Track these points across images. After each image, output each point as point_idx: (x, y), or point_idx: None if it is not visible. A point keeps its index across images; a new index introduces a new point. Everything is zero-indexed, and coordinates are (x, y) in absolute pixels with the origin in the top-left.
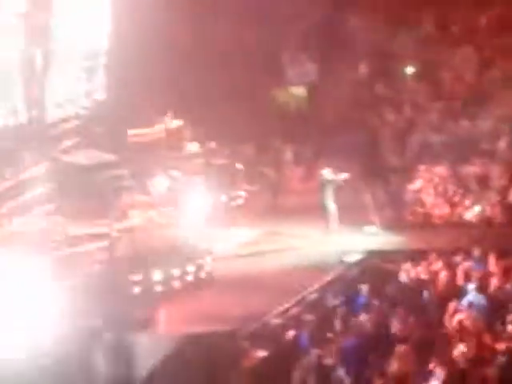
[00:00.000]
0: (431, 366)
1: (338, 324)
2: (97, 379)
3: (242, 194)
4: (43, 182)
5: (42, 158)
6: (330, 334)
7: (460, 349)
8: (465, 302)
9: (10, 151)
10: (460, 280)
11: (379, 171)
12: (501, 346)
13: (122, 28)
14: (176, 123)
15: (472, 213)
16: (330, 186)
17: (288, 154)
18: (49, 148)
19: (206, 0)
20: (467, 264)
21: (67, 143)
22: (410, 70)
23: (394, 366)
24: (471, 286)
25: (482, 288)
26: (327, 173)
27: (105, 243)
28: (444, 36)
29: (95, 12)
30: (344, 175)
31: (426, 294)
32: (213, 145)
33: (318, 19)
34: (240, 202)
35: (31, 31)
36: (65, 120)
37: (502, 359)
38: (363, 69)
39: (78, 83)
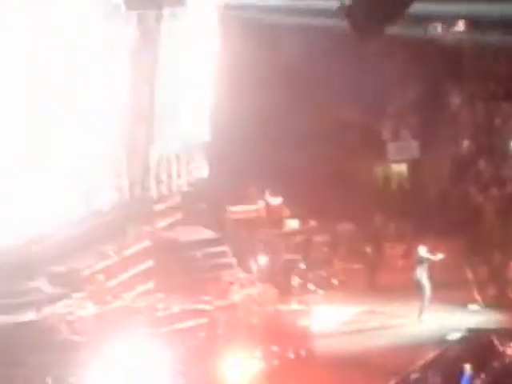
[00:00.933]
0: None
1: None
2: None
3: (341, 270)
4: (145, 258)
5: (144, 235)
6: None
7: None
8: None
9: (113, 228)
10: None
11: (482, 248)
12: None
13: (224, 105)
14: (276, 200)
15: None
16: (425, 264)
17: (389, 231)
18: (151, 224)
19: (308, 77)
20: None
21: (169, 220)
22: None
23: None
24: None
25: None
26: (422, 251)
27: (205, 320)
28: None
29: (198, 87)
30: (440, 255)
31: None
32: (313, 222)
33: (420, 94)
34: (341, 278)
35: (135, 110)
36: (167, 197)
37: None
38: (466, 145)
39: (181, 160)
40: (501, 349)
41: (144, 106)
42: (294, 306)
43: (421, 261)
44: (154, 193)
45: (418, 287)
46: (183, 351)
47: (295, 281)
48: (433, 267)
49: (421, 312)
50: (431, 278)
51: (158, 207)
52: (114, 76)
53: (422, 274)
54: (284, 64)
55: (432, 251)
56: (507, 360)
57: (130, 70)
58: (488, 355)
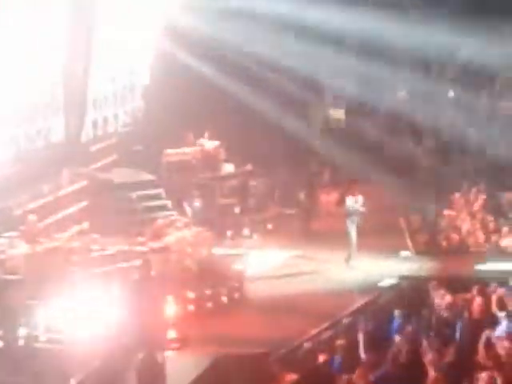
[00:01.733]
0: None
1: (370, 349)
2: None
3: (275, 215)
4: (80, 199)
5: (80, 176)
6: (361, 360)
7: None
8: (499, 330)
9: (48, 168)
10: (495, 308)
11: (415, 196)
12: None
13: (165, 48)
14: (213, 144)
15: (509, 241)
16: (353, 214)
17: (325, 177)
18: (86, 165)
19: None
20: (502, 292)
21: (104, 161)
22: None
23: None
24: (503, 314)
25: None
26: (350, 201)
27: (139, 261)
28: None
29: (138, 32)
30: (363, 207)
31: (459, 321)
32: (249, 166)
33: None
34: (276, 223)
35: (73, 47)
36: (103, 138)
37: None
38: (402, 97)
39: (118, 101)
40: (431, 296)
41: (82, 45)
42: (229, 249)
43: (348, 211)
44: (90, 133)
45: (347, 235)
46: (117, 292)
47: (230, 225)
48: (367, 215)
49: (349, 259)
50: (364, 225)
51: (94, 148)
52: (52, 14)
53: (350, 223)
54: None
55: (359, 200)
56: (437, 308)
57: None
58: (419, 302)
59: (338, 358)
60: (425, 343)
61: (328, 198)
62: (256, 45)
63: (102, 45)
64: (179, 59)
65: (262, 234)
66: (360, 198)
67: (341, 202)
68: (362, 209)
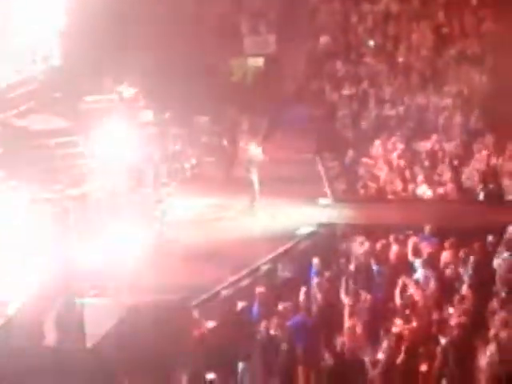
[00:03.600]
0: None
1: (288, 296)
2: (46, 344)
3: (195, 163)
4: None
5: None
6: (279, 307)
7: (400, 323)
8: (415, 277)
9: None
10: (411, 255)
11: (334, 144)
12: (449, 322)
13: None
14: (131, 91)
15: (424, 189)
16: (255, 161)
17: (244, 126)
18: (2, 112)
19: None
20: (417, 239)
21: (21, 108)
22: (369, 44)
23: (343, 339)
24: (419, 261)
25: (433, 264)
26: (253, 148)
27: (57, 209)
28: (403, 11)
29: None
30: (262, 156)
31: (376, 268)
32: (168, 114)
33: None
34: (195, 171)
35: None
36: (19, 84)
37: (447, 335)
38: (322, 42)
39: (34, 47)
40: (349, 244)
41: None
42: (148, 196)
43: (250, 158)
44: (6, 80)
45: (248, 182)
46: (33, 239)
47: (149, 172)
48: (285, 162)
49: (251, 206)
50: (283, 174)
51: (10, 95)
52: None
53: (251, 171)
54: None
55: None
56: (355, 255)
57: None
58: (337, 250)
59: (256, 306)
60: (342, 289)
61: (246, 146)
62: None
63: None
64: (97, 4)
65: (181, 182)
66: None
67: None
68: (261, 156)
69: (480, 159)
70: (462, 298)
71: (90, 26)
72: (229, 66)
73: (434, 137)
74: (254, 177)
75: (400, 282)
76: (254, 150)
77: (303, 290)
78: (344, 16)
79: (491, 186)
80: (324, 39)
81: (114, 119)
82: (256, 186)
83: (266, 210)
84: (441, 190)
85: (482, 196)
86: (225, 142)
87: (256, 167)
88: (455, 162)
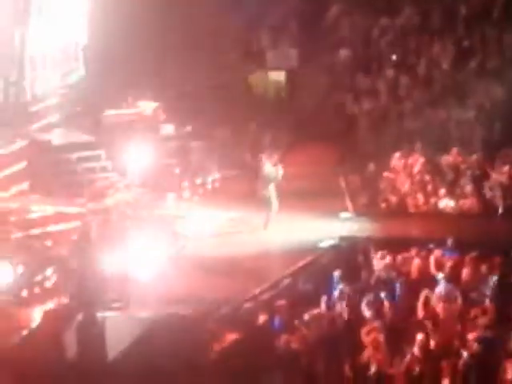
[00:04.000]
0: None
1: (310, 310)
2: (67, 358)
3: (217, 177)
4: (19, 159)
5: (19, 136)
6: (301, 320)
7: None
8: (437, 290)
9: None
10: (432, 269)
11: (355, 158)
12: (472, 336)
13: (102, 7)
14: (152, 105)
15: (446, 202)
16: (271, 178)
17: (266, 140)
18: (25, 126)
19: None
20: (439, 253)
21: (44, 122)
22: (388, 57)
23: (365, 353)
24: (441, 275)
25: (454, 278)
26: (268, 166)
27: (79, 223)
28: (424, 24)
29: None
30: (281, 171)
31: (398, 281)
32: (189, 128)
33: (300, 3)
34: (217, 185)
35: (11, 7)
36: (43, 98)
37: (470, 349)
38: (343, 55)
39: (56, 62)
40: (370, 258)
41: (18, 3)
42: (170, 210)
43: (267, 175)
44: (29, 94)
45: (264, 200)
46: (56, 253)
47: (171, 186)
48: (307, 176)
49: (267, 221)
50: (305, 188)
51: (34, 109)
52: None
53: (267, 188)
54: None
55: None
56: (376, 268)
57: None
58: (358, 263)
59: (278, 319)
60: (363, 303)
61: (270, 160)
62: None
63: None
64: (118, 19)
65: (203, 196)
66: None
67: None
68: (278, 175)
69: (502, 172)
70: (484, 311)
71: (111, 40)
72: (250, 80)
73: (456, 150)
74: (272, 194)
75: (422, 296)
76: (270, 168)
77: (325, 303)
78: (365, 29)
79: None
80: (344, 52)
81: (136, 133)
82: (273, 204)
83: (287, 224)
84: (463, 204)
85: (502, 209)
86: (247, 156)
87: (273, 184)
88: (477, 176)
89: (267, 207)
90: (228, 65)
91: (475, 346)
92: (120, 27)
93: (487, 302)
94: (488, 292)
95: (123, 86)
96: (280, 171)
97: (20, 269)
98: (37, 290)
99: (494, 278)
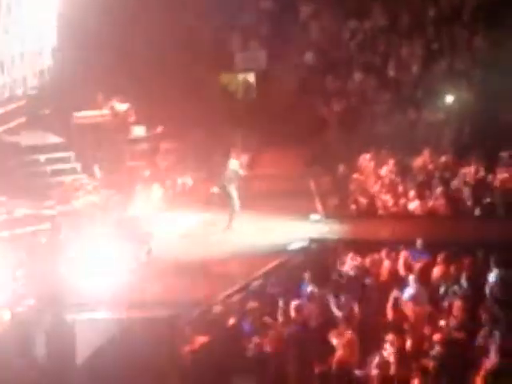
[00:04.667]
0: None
1: (280, 312)
2: (36, 360)
3: (189, 179)
4: None
5: None
6: (271, 322)
7: (393, 338)
8: (406, 292)
9: None
10: (402, 270)
11: (325, 160)
12: (438, 337)
13: (71, 9)
14: (123, 106)
15: (416, 204)
16: (235, 177)
17: (235, 140)
18: None
19: None
20: (409, 254)
21: (12, 123)
22: (357, 59)
23: (336, 354)
24: (411, 277)
25: (424, 279)
26: (234, 164)
27: (47, 225)
28: (393, 27)
29: None
30: (242, 170)
31: (368, 283)
32: (160, 129)
33: (269, 5)
34: (188, 185)
35: None
36: (10, 100)
37: (439, 350)
38: (312, 57)
39: (24, 63)
40: (340, 259)
41: None
42: (137, 212)
43: (230, 174)
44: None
45: (227, 198)
46: (24, 256)
47: (139, 187)
48: (277, 177)
49: (230, 221)
50: (275, 189)
51: (1, 110)
52: None
53: (231, 186)
54: None
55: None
56: (346, 270)
57: None
58: (328, 265)
59: (248, 321)
60: (334, 305)
61: (239, 161)
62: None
63: (8, 4)
64: (86, 19)
65: (172, 197)
66: (242, 160)
67: (252, 165)
68: (241, 172)
69: (469, 173)
70: (453, 312)
71: (81, 41)
72: (220, 81)
73: (425, 152)
74: (233, 192)
75: (391, 297)
76: (233, 164)
77: (295, 304)
78: (334, 32)
79: (482, 200)
80: (313, 54)
81: (106, 135)
82: (235, 201)
83: (257, 225)
84: (432, 205)
85: (476, 211)
86: (217, 157)
87: (235, 182)
88: (446, 177)
89: (229, 207)
90: (198, 65)
91: (445, 347)
92: (90, 27)
93: (457, 302)
94: (458, 293)
95: (93, 86)
96: (241, 171)
97: None
98: (6, 292)
99: (464, 279)
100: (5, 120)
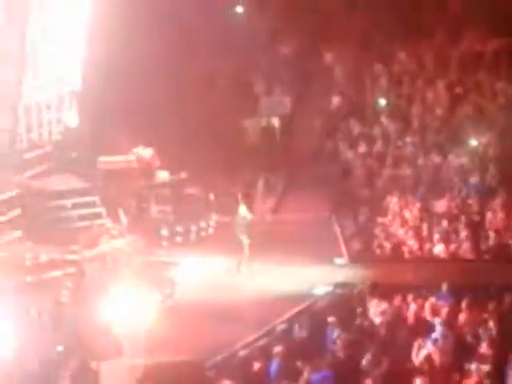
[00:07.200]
0: None
1: (306, 356)
2: None
3: (213, 224)
4: (13, 206)
5: (13, 184)
6: (298, 366)
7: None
8: (433, 336)
9: None
10: (428, 315)
11: (349, 203)
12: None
13: (98, 55)
14: (148, 152)
15: (440, 248)
16: (244, 222)
17: (259, 185)
18: (20, 173)
19: (180, 33)
20: (435, 299)
21: (38, 169)
22: (382, 104)
23: None
24: (437, 321)
25: (450, 323)
26: (243, 210)
27: (73, 270)
28: (417, 71)
29: (70, 37)
30: (250, 215)
31: (394, 328)
32: (183, 174)
33: (293, 52)
34: (211, 231)
35: (4, 53)
36: (37, 145)
37: None
38: (336, 102)
39: (52, 109)
40: (366, 303)
41: (14, 52)
42: (162, 257)
43: (239, 219)
44: (23, 141)
45: (237, 245)
46: (51, 301)
47: (164, 233)
48: (301, 222)
49: (239, 266)
50: (299, 234)
51: (28, 156)
52: None
53: (240, 232)
54: (155, 14)
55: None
56: (371, 315)
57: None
58: (353, 309)
59: (274, 365)
60: (361, 350)
61: (263, 206)
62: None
63: (34, 51)
64: (113, 65)
65: (197, 242)
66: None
67: (277, 209)
68: (250, 218)
69: (495, 218)
70: (482, 357)
71: (107, 86)
72: (243, 127)
73: (450, 195)
74: (243, 237)
75: (416, 343)
76: (243, 211)
77: (320, 350)
78: (358, 76)
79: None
80: (336, 99)
81: (131, 180)
82: (245, 246)
83: (282, 270)
84: (457, 249)
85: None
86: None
87: (245, 227)
88: (471, 221)
89: (239, 251)
90: (221, 111)
91: None
92: (115, 73)
93: (484, 346)
94: (485, 338)
95: (119, 132)
96: (249, 215)
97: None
98: (33, 337)
99: (491, 324)
100: (31, 165)
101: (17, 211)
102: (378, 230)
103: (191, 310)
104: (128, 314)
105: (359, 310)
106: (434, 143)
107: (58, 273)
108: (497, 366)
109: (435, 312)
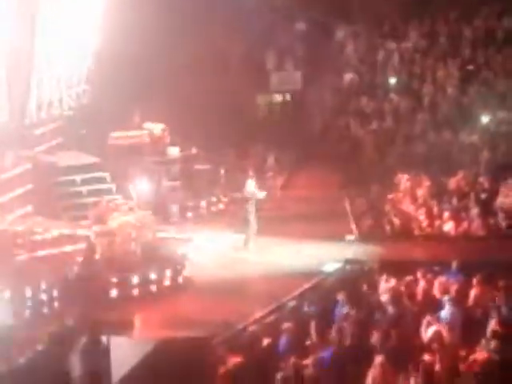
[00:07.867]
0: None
1: (315, 333)
2: (71, 380)
3: (223, 199)
4: (24, 182)
5: (24, 159)
6: (307, 343)
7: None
8: (442, 314)
9: None
10: (437, 292)
11: (360, 180)
12: (476, 358)
13: (111, 31)
14: (159, 127)
15: (450, 225)
16: (253, 199)
17: (270, 161)
18: (30, 148)
19: (192, 10)
20: (444, 276)
21: (49, 144)
22: (393, 81)
23: (371, 376)
24: (447, 298)
25: (460, 300)
26: (250, 186)
27: (83, 245)
28: (429, 49)
29: (84, 13)
30: (263, 193)
31: (403, 304)
32: (194, 150)
33: (305, 27)
34: (221, 207)
35: (17, 29)
36: (48, 121)
37: (477, 371)
38: (348, 79)
39: (63, 84)
40: (375, 280)
41: (26, 27)
42: (173, 233)
43: (248, 196)
44: (34, 116)
45: (245, 221)
46: (61, 276)
47: (175, 208)
48: (312, 199)
49: (247, 242)
50: (310, 211)
51: (38, 131)
52: None
53: (249, 210)
54: None
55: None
56: (381, 291)
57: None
58: (363, 286)
59: (283, 341)
60: (369, 327)
61: (273, 182)
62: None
63: (46, 27)
64: (123, 41)
65: (207, 218)
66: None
67: (286, 186)
68: (261, 195)
69: (506, 194)
70: (492, 333)
71: (116, 63)
72: (255, 102)
73: (461, 173)
74: (250, 213)
75: (425, 321)
76: (251, 187)
77: (330, 326)
78: (370, 53)
79: None
80: (348, 76)
81: (142, 155)
82: (252, 223)
83: (291, 247)
84: (468, 226)
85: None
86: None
87: (253, 205)
88: (482, 198)
89: (246, 227)
90: (233, 87)
91: (482, 368)
92: (127, 49)
93: (494, 323)
94: (495, 314)
95: (129, 107)
96: (260, 193)
97: (26, 291)
98: (42, 311)
99: (501, 301)
100: (41, 141)
101: (28, 186)
102: (388, 207)
103: (200, 285)
104: (138, 288)
105: (369, 286)
106: (445, 120)
107: (68, 248)
108: (507, 342)
109: (445, 289)
